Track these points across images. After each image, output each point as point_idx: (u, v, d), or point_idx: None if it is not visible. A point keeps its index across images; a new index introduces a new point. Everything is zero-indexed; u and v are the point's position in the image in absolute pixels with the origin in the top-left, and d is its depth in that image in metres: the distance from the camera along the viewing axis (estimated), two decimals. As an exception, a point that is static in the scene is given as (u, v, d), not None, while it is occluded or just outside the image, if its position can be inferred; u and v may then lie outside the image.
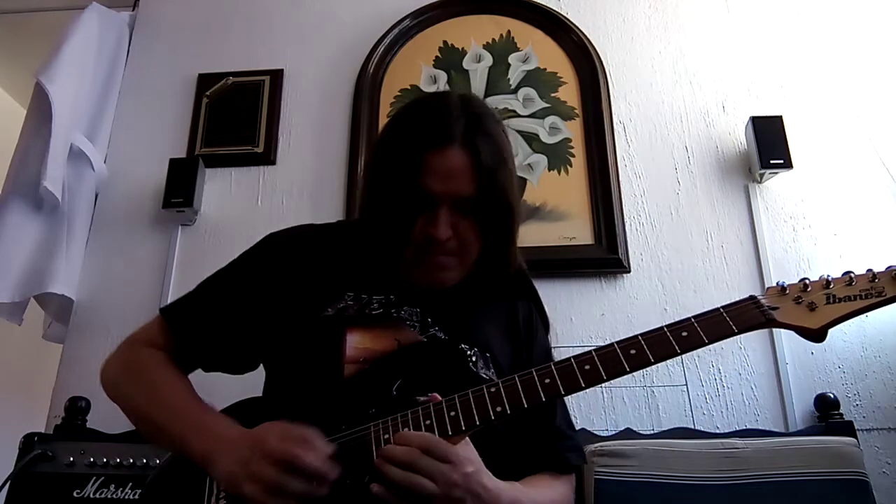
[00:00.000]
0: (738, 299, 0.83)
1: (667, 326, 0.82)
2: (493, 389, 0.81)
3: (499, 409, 0.79)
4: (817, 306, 0.79)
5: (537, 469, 0.96)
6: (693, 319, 0.82)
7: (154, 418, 0.91)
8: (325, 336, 0.91)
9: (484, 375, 0.92)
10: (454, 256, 0.93)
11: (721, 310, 0.82)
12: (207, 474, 0.84)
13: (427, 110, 0.96)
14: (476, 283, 0.99)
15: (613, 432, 1.58)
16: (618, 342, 0.82)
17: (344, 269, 0.97)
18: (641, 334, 0.82)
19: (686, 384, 1.70)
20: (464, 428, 0.79)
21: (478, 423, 0.79)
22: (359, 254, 0.97)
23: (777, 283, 0.83)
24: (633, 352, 0.81)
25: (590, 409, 1.68)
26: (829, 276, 0.82)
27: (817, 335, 0.79)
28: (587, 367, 0.81)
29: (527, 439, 0.97)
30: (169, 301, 1.85)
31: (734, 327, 0.81)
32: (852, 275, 0.80)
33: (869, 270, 0.80)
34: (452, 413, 0.80)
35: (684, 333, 0.81)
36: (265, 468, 0.76)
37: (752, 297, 0.83)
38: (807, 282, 0.82)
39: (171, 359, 0.97)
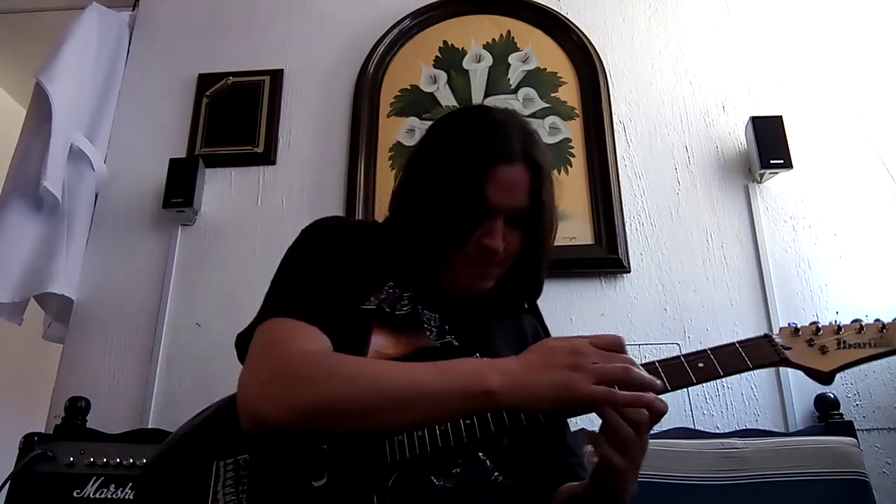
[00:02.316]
0: (752, 336, 0.85)
1: (683, 356, 0.83)
2: None
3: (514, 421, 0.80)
4: (828, 350, 0.82)
5: (551, 483, 0.97)
6: (709, 352, 0.83)
7: (401, 392, 0.74)
8: (352, 334, 0.90)
9: None
10: (499, 266, 0.96)
11: (737, 344, 0.84)
12: (211, 462, 0.82)
13: (487, 124, 0.98)
14: (497, 295, 1.00)
15: (613, 432, 1.58)
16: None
17: (384, 262, 0.98)
18: (658, 361, 0.83)
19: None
20: (479, 435, 0.79)
21: (493, 430, 0.79)
22: (396, 251, 0.98)
23: (789, 324, 0.86)
24: None
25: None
26: (839, 321, 0.84)
27: (826, 378, 0.81)
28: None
29: (537, 452, 0.99)
30: (168, 304, 1.88)
31: (749, 363, 0.82)
32: (862, 322, 0.83)
33: (878, 321, 0.82)
34: (468, 421, 0.80)
35: (700, 365, 0.82)
36: (606, 366, 0.73)
37: (766, 336, 0.85)
38: (818, 325, 0.84)
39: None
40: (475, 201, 0.91)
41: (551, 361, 0.74)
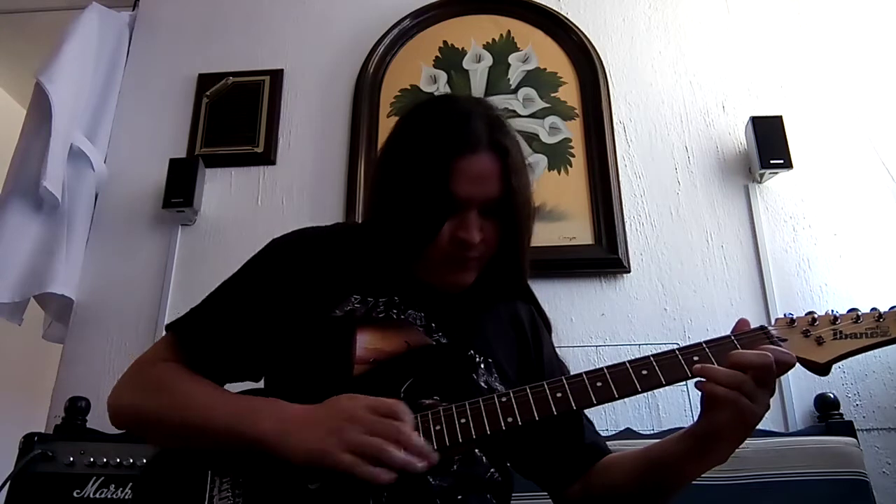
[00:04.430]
0: (749, 329, 0.84)
1: (678, 350, 0.83)
2: (504, 399, 0.82)
3: (510, 419, 0.80)
4: (824, 341, 0.80)
5: (580, 465, 0.97)
6: (704, 345, 0.82)
7: (193, 422, 0.84)
8: (335, 336, 0.91)
9: (483, 385, 0.92)
10: (478, 259, 0.94)
11: (732, 337, 0.83)
12: (207, 469, 0.83)
13: (449, 114, 0.96)
14: (482, 287, 0.98)
15: (613, 432, 1.58)
16: (630, 362, 0.82)
17: (349, 271, 0.97)
18: (654, 356, 0.83)
19: (686, 384, 1.69)
20: (474, 436, 0.79)
21: (488, 432, 0.79)
22: (365, 256, 0.97)
23: (785, 315, 0.84)
24: (644, 372, 0.81)
25: (590, 409, 1.68)
26: (835, 311, 0.82)
27: (823, 369, 0.80)
28: (599, 384, 0.82)
29: (552, 442, 0.98)
30: (168, 304, 1.89)
31: None
32: (858, 312, 0.81)
33: (874, 309, 0.81)
34: (463, 420, 0.80)
35: (695, 358, 0.81)
36: (364, 437, 0.74)
37: (762, 328, 0.83)
38: (814, 315, 0.83)
39: (188, 368, 0.94)
40: (443, 195, 0.89)
41: (323, 422, 0.77)
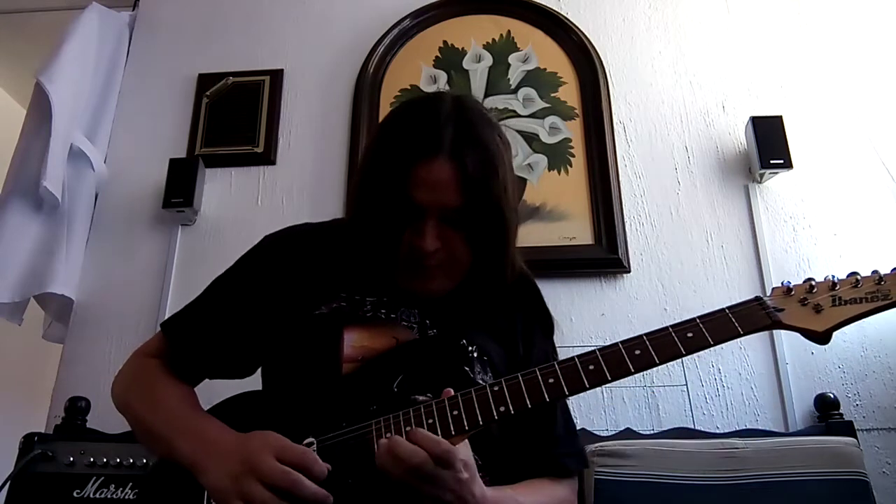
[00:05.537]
0: (743, 300, 0.82)
1: (672, 327, 0.81)
2: (496, 388, 0.80)
3: (502, 408, 0.79)
4: (823, 308, 0.78)
5: (535, 475, 0.95)
6: (698, 320, 0.81)
7: (148, 423, 0.91)
8: (322, 334, 0.91)
9: (480, 381, 0.91)
10: (442, 267, 0.92)
11: (726, 311, 0.81)
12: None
13: (416, 117, 0.94)
14: (474, 290, 0.98)
15: (613, 432, 1.58)
16: (622, 342, 0.81)
17: (338, 269, 0.97)
18: (646, 334, 0.81)
19: (686, 384, 1.70)
20: (466, 428, 0.79)
21: (481, 422, 0.79)
22: (353, 255, 0.97)
23: (782, 284, 0.81)
24: (637, 352, 0.80)
25: (590, 409, 1.68)
26: (834, 277, 0.80)
27: (823, 337, 0.78)
28: (591, 367, 0.80)
29: (525, 446, 0.96)
30: (169, 304, 1.89)
31: (739, 329, 0.80)
32: (858, 276, 0.78)
33: (875, 272, 0.78)
34: (455, 412, 0.79)
35: (689, 335, 0.80)
36: (259, 490, 0.74)
37: (757, 299, 0.81)
38: (812, 283, 0.80)
39: (168, 368, 0.97)
40: (400, 201, 0.88)
41: (230, 459, 0.78)
